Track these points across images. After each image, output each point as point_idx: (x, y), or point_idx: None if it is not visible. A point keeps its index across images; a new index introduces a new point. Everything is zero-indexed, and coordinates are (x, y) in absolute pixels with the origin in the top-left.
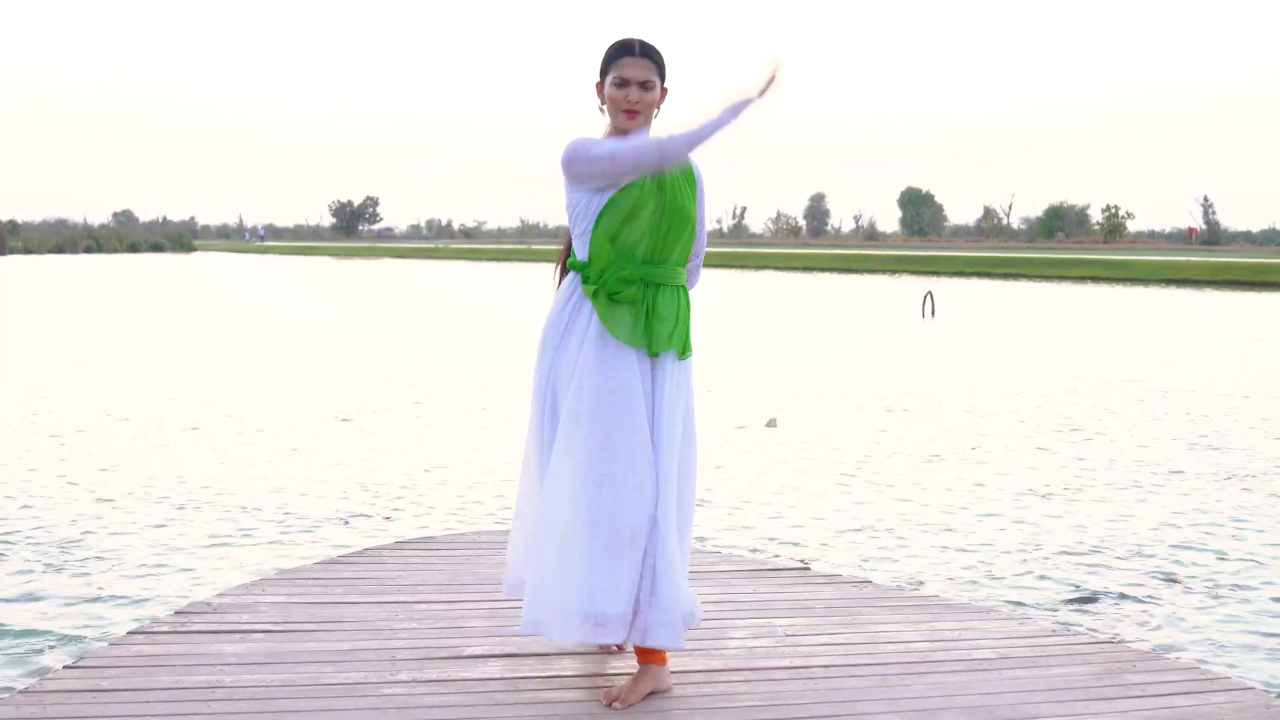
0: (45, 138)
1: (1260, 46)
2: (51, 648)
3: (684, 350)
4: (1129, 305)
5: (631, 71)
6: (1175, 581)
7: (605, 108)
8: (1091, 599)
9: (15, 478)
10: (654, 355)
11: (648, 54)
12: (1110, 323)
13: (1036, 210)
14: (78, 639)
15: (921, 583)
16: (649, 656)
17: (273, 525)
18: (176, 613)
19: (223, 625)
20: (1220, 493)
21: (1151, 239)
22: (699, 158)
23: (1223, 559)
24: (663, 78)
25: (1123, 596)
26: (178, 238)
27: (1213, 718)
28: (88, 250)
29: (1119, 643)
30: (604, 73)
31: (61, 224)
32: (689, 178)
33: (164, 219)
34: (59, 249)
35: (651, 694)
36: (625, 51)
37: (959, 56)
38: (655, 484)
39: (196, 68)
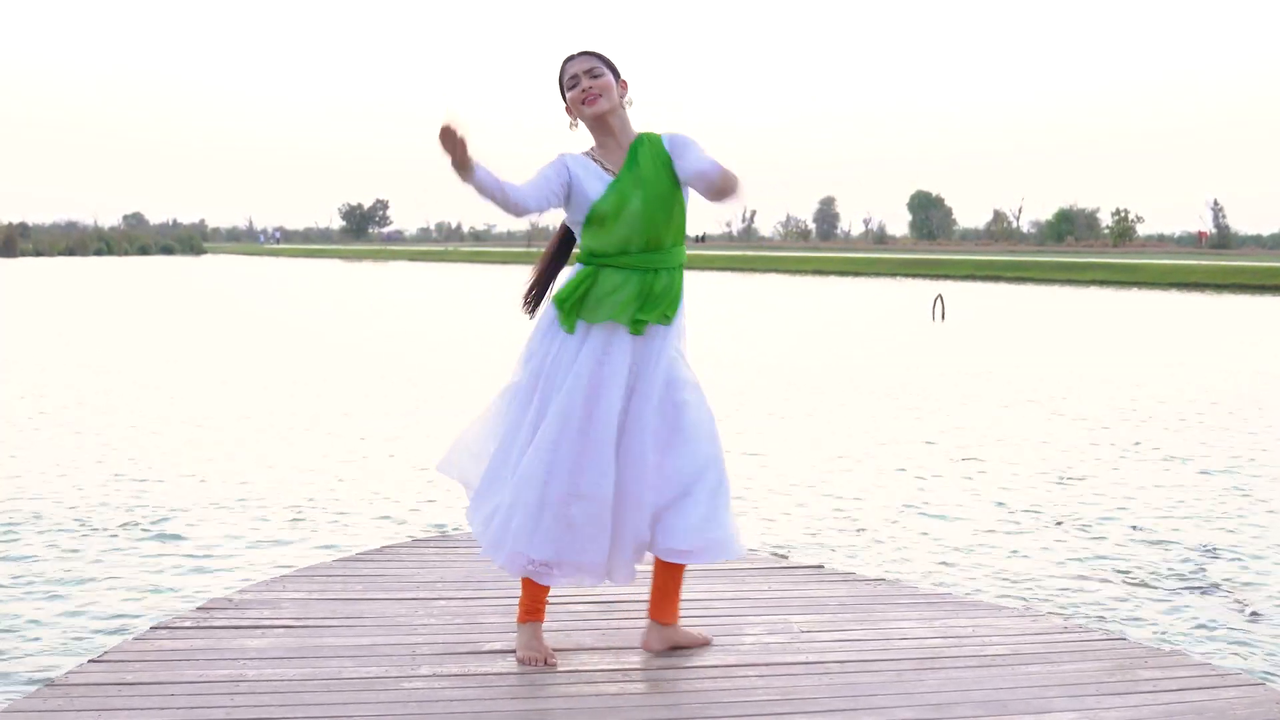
0: (55, 140)
1: (1271, 49)
2: (76, 643)
3: (667, 319)
4: (1138, 309)
5: (575, 67)
6: (1185, 579)
7: (574, 120)
8: (1103, 597)
9: (36, 478)
10: (639, 334)
11: (586, 52)
12: (1120, 326)
13: (1046, 214)
14: (101, 635)
15: (935, 581)
16: (660, 615)
17: (291, 524)
18: (199, 609)
19: (244, 621)
20: (1231, 493)
21: (1161, 243)
22: (672, 129)
23: (1233, 558)
24: (613, 70)
25: (1134, 595)
26: (188, 240)
27: (1224, 713)
28: (98, 253)
29: (1130, 640)
30: (561, 92)
31: (72, 226)
32: (662, 160)
33: (174, 221)
34: (69, 251)
35: (673, 667)
36: (567, 60)
37: (968, 60)
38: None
39: (206, 70)
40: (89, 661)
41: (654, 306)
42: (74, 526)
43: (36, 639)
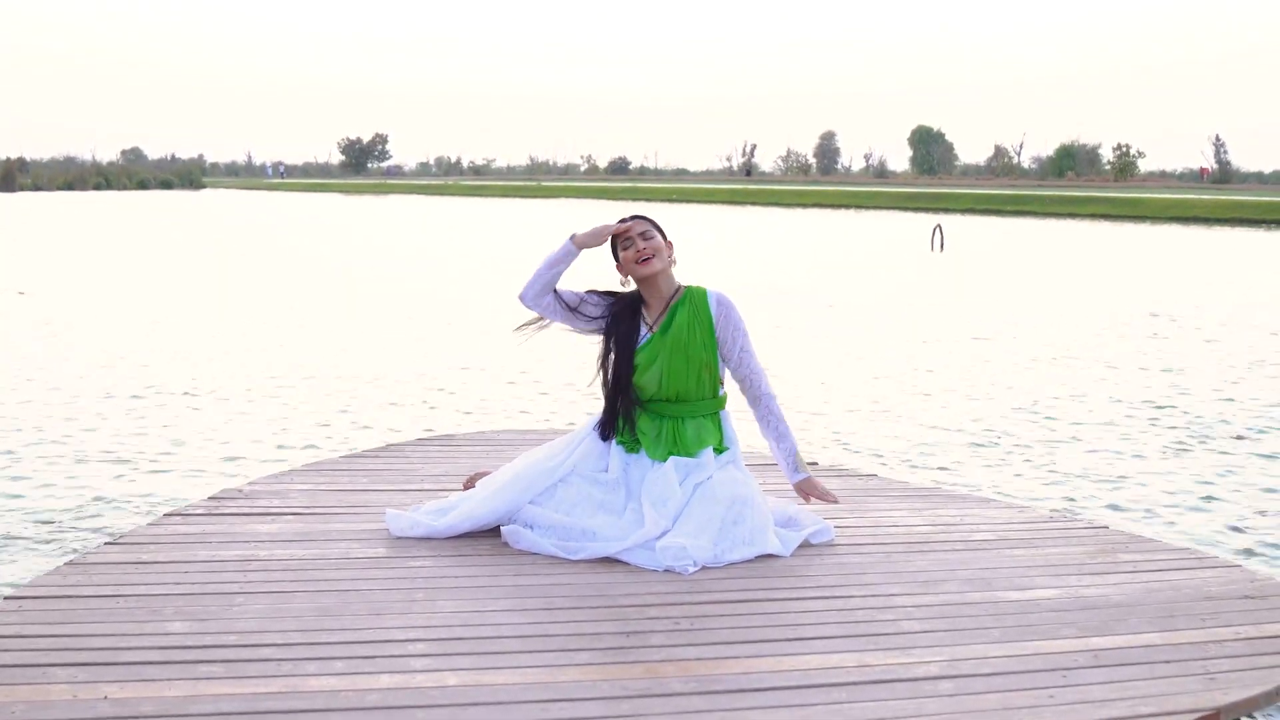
0: (54, 74)
1: None
2: (90, 530)
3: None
4: (1139, 242)
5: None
6: (1170, 476)
7: (625, 278)
8: (1092, 495)
9: (55, 378)
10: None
11: (638, 216)
12: (1119, 258)
13: (1047, 149)
14: (114, 524)
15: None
16: None
17: (297, 425)
18: (209, 498)
19: (254, 509)
20: (1215, 399)
21: (1163, 178)
22: (720, 295)
23: (1217, 456)
24: (661, 231)
25: (1118, 492)
26: (187, 175)
27: (1200, 590)
28: (97, 187)
29: (1114, 529)
30: (614, 252)
31: (70, 161)
32: (703, 323)
33: (173, 156)
34: (68, 186)
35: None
36: (619, 221)
37: None
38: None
39: (204, 2)
40: (105, 544)
41: (684, 450)
42: (85, 422)
43: (49, 529)
